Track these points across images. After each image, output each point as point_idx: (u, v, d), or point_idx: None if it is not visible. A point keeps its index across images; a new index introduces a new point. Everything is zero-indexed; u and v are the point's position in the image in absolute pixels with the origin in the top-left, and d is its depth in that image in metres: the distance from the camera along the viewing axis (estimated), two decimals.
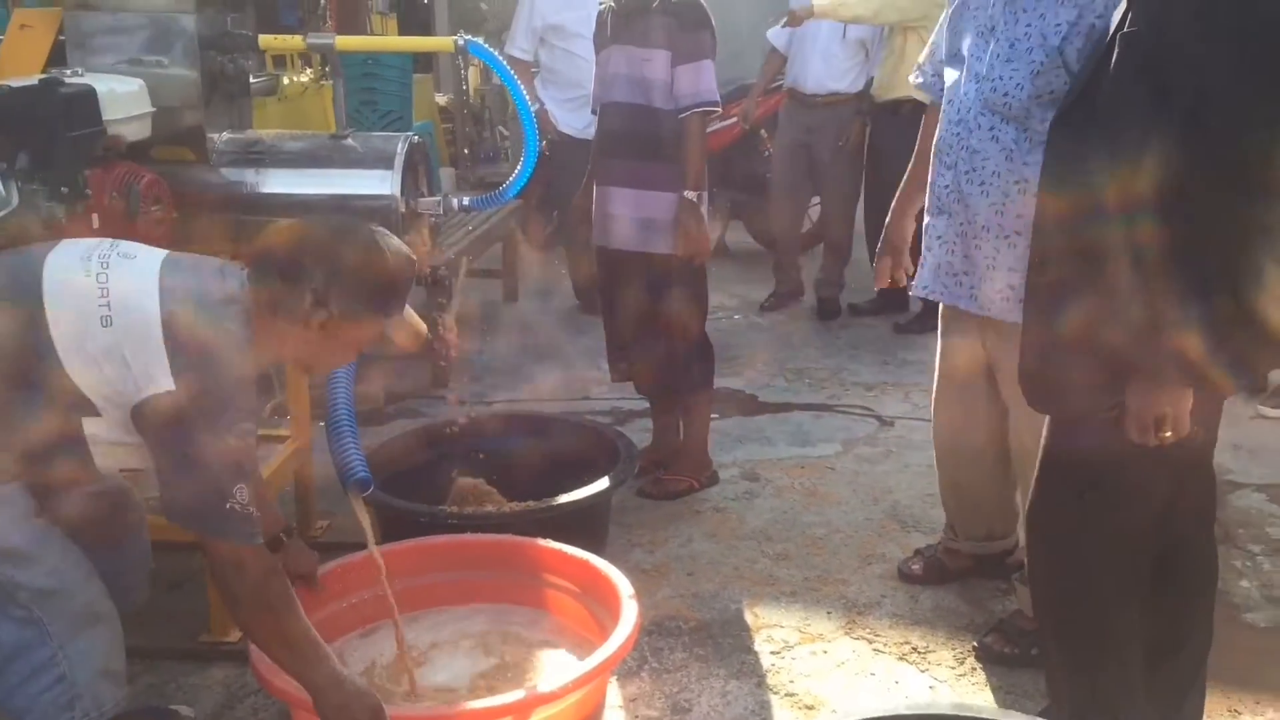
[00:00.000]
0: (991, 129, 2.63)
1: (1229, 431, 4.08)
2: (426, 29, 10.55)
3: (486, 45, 3.33)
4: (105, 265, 2.03)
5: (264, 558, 2.08)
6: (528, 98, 5.70)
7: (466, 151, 7.93)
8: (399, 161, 3.02)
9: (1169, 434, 1.98)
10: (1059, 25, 2.51)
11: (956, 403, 3.04)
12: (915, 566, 3.29)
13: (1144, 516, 2.19)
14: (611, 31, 3.70)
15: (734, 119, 6.50)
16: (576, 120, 5.56)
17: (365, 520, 2.58)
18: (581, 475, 3.35)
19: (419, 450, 3.69)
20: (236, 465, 2.00)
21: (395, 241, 2.18)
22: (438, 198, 3.14)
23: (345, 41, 3.28)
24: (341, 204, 3.03)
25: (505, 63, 3.14)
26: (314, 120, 5.58)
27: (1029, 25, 2.55)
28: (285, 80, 5.57)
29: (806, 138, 5.72)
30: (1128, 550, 2.20)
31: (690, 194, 3.59)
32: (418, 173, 3.14)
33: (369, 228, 2.17)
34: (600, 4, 3.83)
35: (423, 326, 2.36)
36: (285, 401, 3.51)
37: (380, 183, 3.02)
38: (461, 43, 3.06)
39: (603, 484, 3.26)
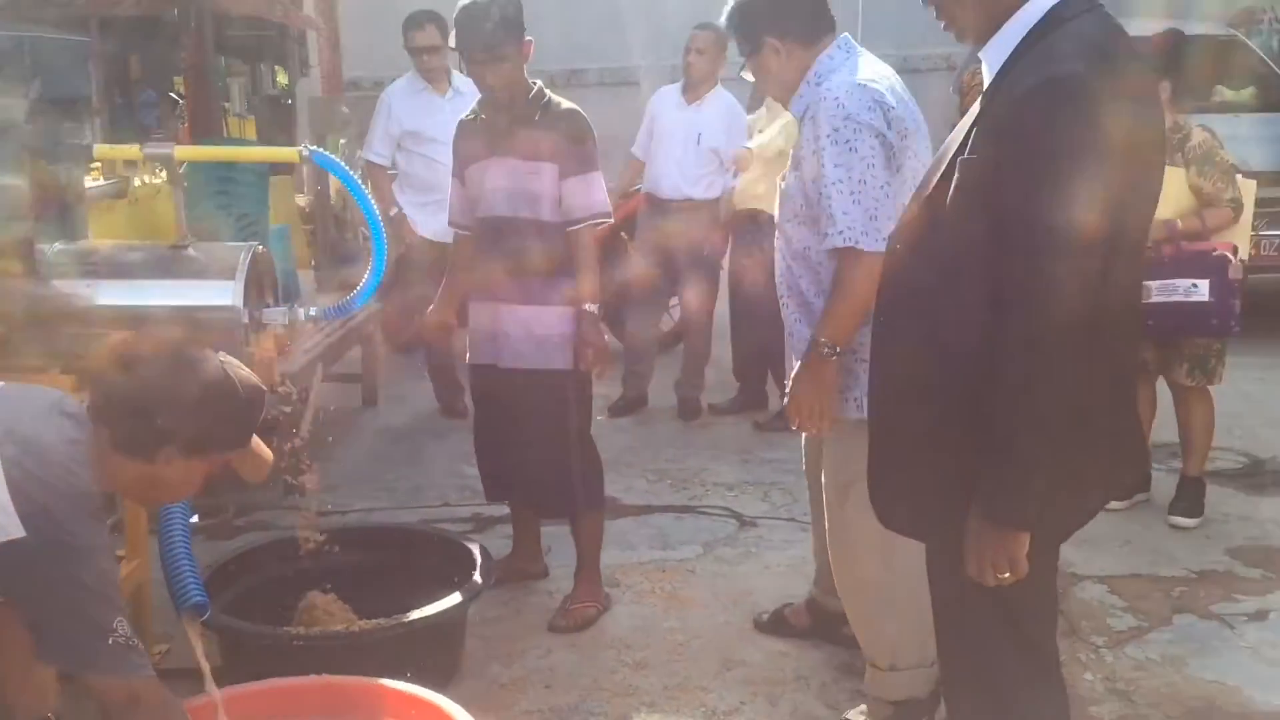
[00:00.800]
0: (779, 247, 3.03)
1: None
2: (288, 130, 10.49)
3: (338, 154, 3.32)
4: None
5: (158, 688, 2.03)
6: (387, 201, 5.72)
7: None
8: (242, 272, 2.95)
9: (1006, 575, 1.94)
10: (795, 156, 2.92)
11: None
12: (764, 616, 3.62)
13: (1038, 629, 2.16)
14: (488, 144, 3.60)
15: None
16: (435, 223, 5.54)
17: (200, 651, 2.46)
18: (439, 587, 3.28)
19: (268, 565, 3.56)
20: (108, 599, 1.96)
21: (244, 372, 2.18)
22: (283, 308, 3.08)
23: (185, 151, 3.23)
24: (182, 316, 2.94)
25: (350, 171, 3.11)
26: (166, 223, 5.41)
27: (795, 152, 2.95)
28: (136, 182, 5.45)
29: (664, 241, 5.81)
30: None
31: (590, 307, 3.55)
32: (263, 283, 3.09)
33: (216, 358, 2.15)
34: (466, 114, 3.75)
35: (269, 455, 2.33)
36: (122, 518, 3.35)
37: (222, 294, 2.94)
38: (306, 153, 3.03)
39: (455, 598, 3.19)
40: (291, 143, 10.12)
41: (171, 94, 10.84)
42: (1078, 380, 1.83)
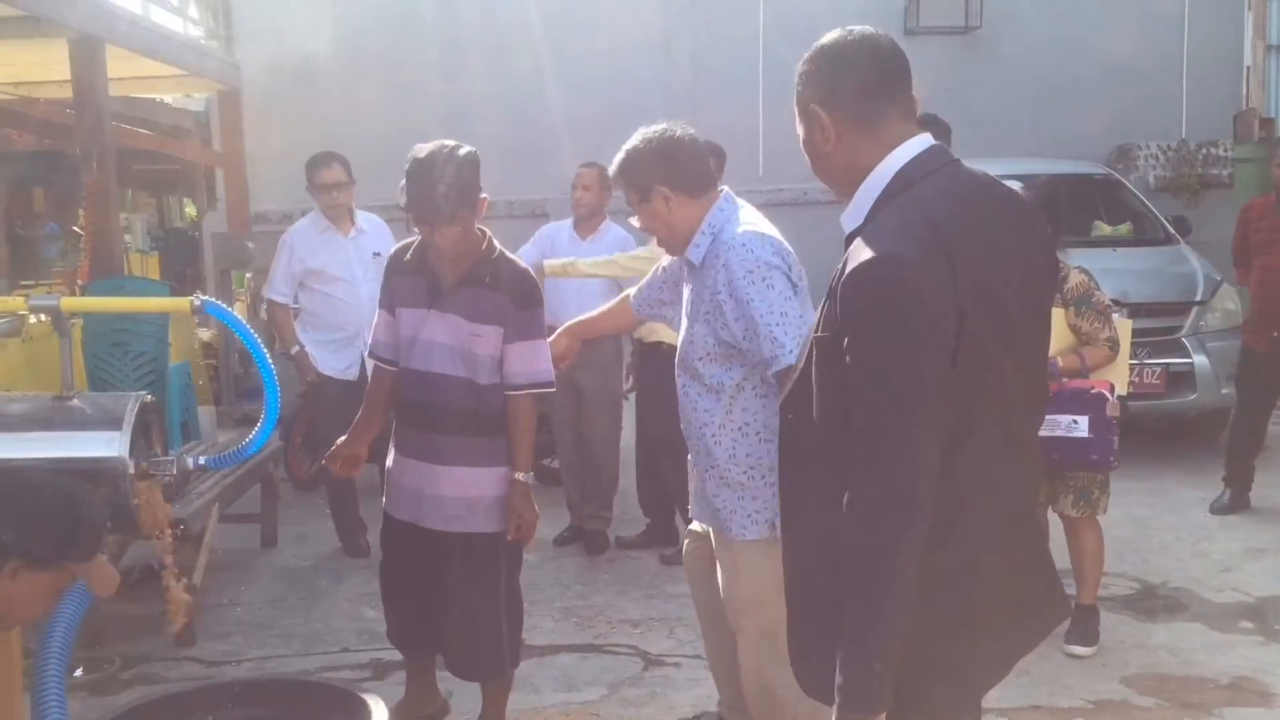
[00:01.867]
0: (683, 385, 3.19)
1: None
2: (194, 264, 10.48)
3: (244, 289, 3.32)
4: None
5: None
6: (288, 339, 5.70)
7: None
8: (128, 422, 2.93)
9: None
10: (699, 299, 3.10)
11: (706, 584, 3.35)
12: None
13: None
14: (429, 295, 3.44)
15: None
16: (337, 361, 5.57)
17: None
18: None
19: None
20: None
21: (85, 489, 2.30)
22: (171, 458, 3.04)
23: (72, 303, 3.21)
24: (66, 468, 2.89)
25: (241, 320, 3.12)
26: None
27: (694, 296, 3.13)
28: (31, 319, 5.36)
29: (569, 371, 5.85)
30: None
31: (521, 476, 3.45)
32: (150, 432, 3.05)
33: (47, 474, 2.30)
34: (404, 248, 3.57)
35: (115, 573, 2.41)
36: None
37: (107, 445, 2.91)
38: (198, 303, 3.03)
39: None
40: (197, 277, 10.09)
41: (75, 227, 10.80)
42: (919, 553, 1.78)
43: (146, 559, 4.61)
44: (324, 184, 5.53)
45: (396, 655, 4.30)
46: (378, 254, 5.46)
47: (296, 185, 6.00)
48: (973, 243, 1.87)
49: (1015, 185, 4.62)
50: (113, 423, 2.92)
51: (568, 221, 5.96)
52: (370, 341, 3.66)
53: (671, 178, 3.09)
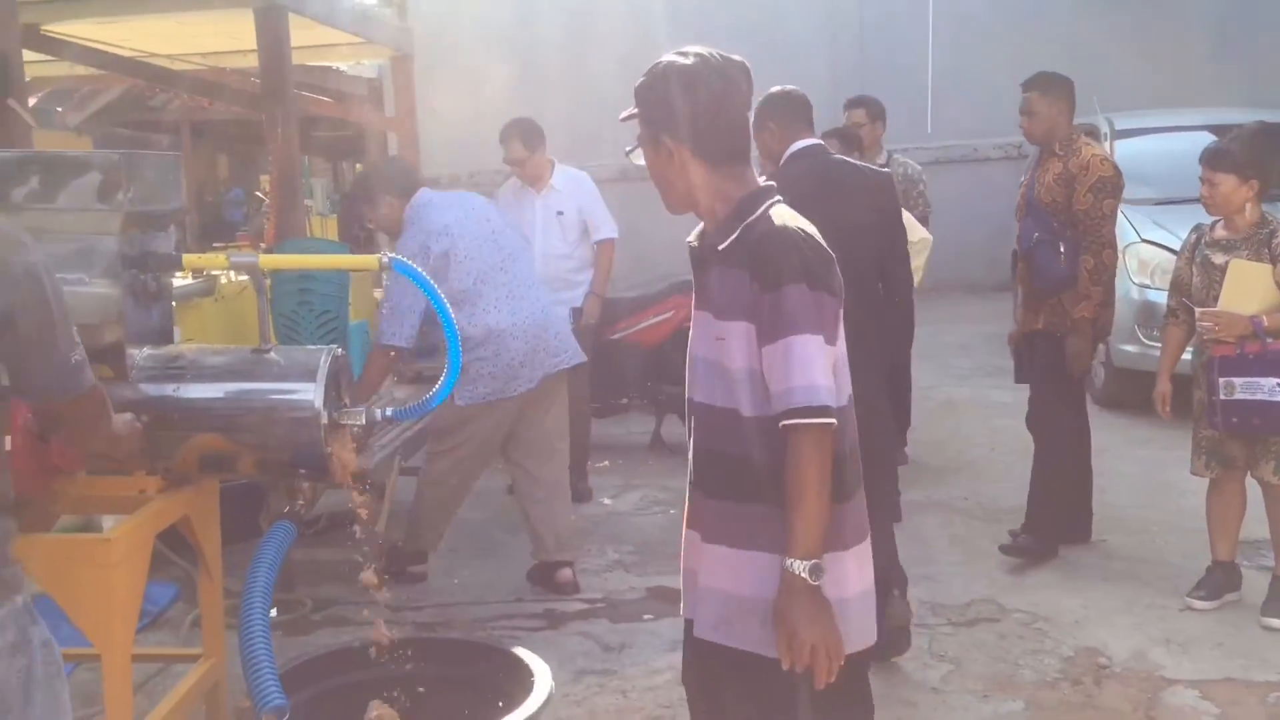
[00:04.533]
0: None
1: (1159, 626, 4.12)
2: (367, 229, 10.80)
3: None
4: None
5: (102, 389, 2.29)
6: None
7: None
8: (322, 374, 3.03)
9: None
10: None
11: None
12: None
13: None
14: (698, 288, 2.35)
15: (670, 312, 6.68)
16: None
17: None
18: (498, 706, 3.15)
19: (341, 670, 3.51)
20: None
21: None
22: (361, 409, 3.14)
23: (269, 260, 3.34)
24: (265, 415, 3.03)
25: (427, 277, 3.19)
26: (252, 320, 5.56)
27: None
28: (223, 279, 5.63)
29: None
30: None
31: (800, 566, 2.07)
32: (340, 384, 3.16)
33: None
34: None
35: None
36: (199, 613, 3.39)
37: (303, 396, 3.02)
38: (386, 260, 3.11)
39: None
40: (372, 240, 10.43)
41: (257, 192, 11.32)
42: None
43: (335, 508, 4.83)
44: (506, 160, 5.87)
45: (569, 607, 4.40)
46: (561, 213, 5.72)
47: (467, 148, 6.17)
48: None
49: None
50: (308, 374, 3.02)
51: None
52: None
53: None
